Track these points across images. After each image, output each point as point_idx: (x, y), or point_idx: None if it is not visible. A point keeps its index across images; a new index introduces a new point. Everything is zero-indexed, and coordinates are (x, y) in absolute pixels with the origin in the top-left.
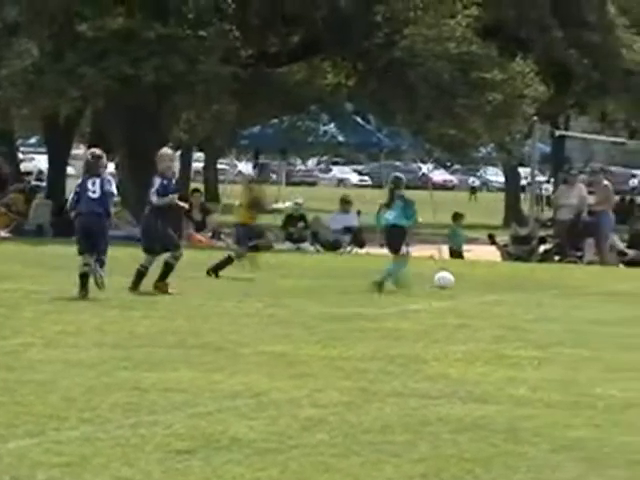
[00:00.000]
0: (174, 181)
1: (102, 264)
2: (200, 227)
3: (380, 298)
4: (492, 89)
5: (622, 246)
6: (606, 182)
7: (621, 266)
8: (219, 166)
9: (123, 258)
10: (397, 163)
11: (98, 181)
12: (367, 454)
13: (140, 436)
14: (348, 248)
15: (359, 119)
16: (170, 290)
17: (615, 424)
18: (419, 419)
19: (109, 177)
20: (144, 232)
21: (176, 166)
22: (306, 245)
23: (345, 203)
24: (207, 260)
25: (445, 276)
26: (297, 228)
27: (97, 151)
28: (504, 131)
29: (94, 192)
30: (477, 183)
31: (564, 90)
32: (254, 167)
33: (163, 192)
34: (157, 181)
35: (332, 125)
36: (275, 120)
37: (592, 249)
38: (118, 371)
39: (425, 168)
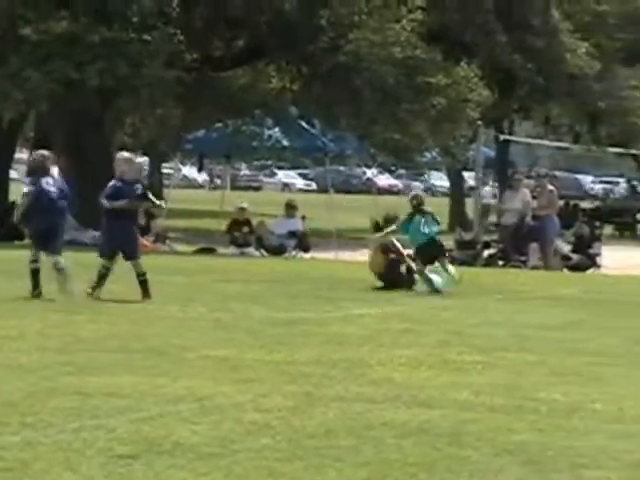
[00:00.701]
0: (139, 185)
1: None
2: (145, 231)
3: (324, 303)
4: (437, 93)
5: (566, 250)
6: (551, 187)
7: (565, 270)
8: (163, 170)
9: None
10: (342, 168)
11: (52, 180)
12: (311, 458)
13: (82, 440)
14: (293, 253)
15: (304, 123)
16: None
17: (558, 428)
18: (363, 423)
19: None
20: (101, 235)
21: (136, 169)
22: (251, 250)
23: (290, 208)
24: (152, 264)
25: (434, 279)
26: (242, 233)
27: (45, 152)
28: (448, 135)
29: (54, 191)
30: (422, 187)
31: (508, 94)
32: (199, 171)
33: (115, 195)
34: (110, 184)
35: (277, 129)
36: (219, 124)
37: (536, 254)
38: (61, 376)
39: (370, 173)
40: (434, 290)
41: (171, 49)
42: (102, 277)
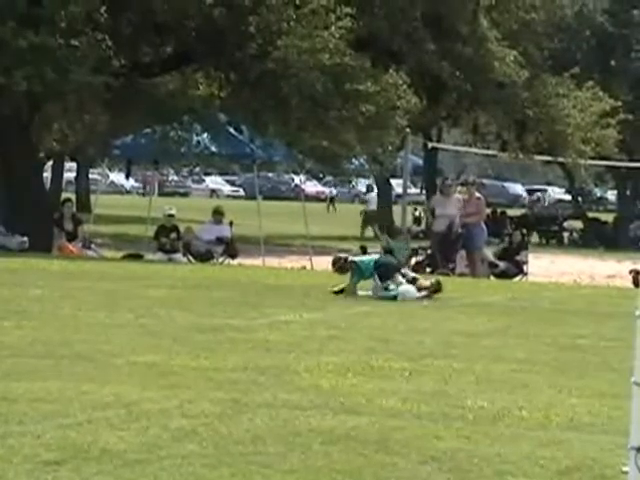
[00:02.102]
0: None
1: None
2: (71, 237)
3: (250, 309)
4: (365, 101)
5: (493, 258)
6: (478, 194)
7: (492, 278)
8: (91, 176)
9: None
10: (270, 175)
11: None
12: (238, 465)
13: (8, 447)
14: (220, 259)
15: (232, 130)
16: None
17: (484, 435)
18: (290, 430)
19: None
20: None
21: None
22: (178, 256)
23: (217, 214)
24: (79, 270)
25: (409, 290)
26: (169, 239)
27: None
28: (376, 143)
29: None
30: (334, 193)
31: (436, 102)
32: (127, 177)
33: None
34: None
35: (205, 135)
36: (148, 130)
37: (463, 261)
38: None
39: (297, 180)
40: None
41: (99, 55)
42: None
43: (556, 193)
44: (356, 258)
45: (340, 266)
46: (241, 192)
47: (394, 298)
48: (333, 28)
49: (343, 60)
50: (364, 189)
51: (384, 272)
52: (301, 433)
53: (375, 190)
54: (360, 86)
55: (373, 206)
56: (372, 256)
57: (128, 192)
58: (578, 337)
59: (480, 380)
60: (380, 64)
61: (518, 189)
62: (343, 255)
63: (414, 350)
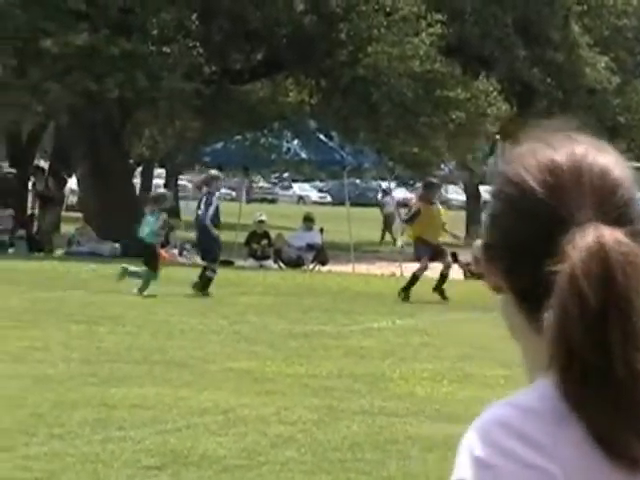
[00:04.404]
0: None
1: None
2: (164, 243)
3: (342, 316)
4: (455, 107)
5: None
6: None
7: None
8: (179, 182)
9: (83, 273)
10: (357, 181)
11: None
12: (336, 472)
13: (109, 452)
14: (311, 265)
15: (322, 136)
16: None
17: None
18: (387, 437)
19: None
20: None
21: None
22: (269, 262)
23: (308, 220)
24: (172, 276)
25: None
26: (260, 245)
27: None
28: (466, 149)
29: None
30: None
31: (527, 108)
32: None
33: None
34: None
35: (295, 142)
36: (238, 137)
37: None
38: (85, 387)
39: (384, 185)
40: None
41: (190, 62)
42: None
43: None
44: None
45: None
46: (328, 198)
47: None
48: (424, 35)
49: (433, 67)
50: (452, 194)
51: None
52: (398, 440)
53: (392, 193)
54: (450, 93)
55: (390, 209)
56: None
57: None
58: None
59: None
60: (470, 71)
61: None
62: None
63: (509, 357)
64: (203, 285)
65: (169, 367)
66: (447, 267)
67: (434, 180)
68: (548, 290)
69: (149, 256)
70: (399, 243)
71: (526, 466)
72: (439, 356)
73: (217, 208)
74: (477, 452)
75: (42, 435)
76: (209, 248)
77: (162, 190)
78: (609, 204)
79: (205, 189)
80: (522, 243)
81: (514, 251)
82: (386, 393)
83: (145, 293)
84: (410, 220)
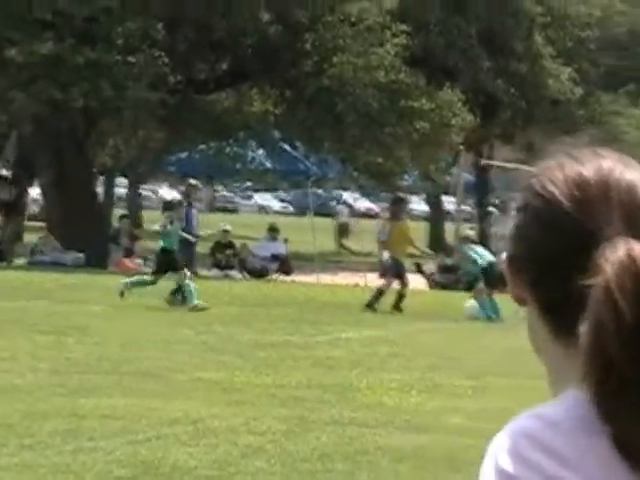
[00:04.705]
0: None
1: None
2: (128, 253)
3: (309, 326)
4: (420, 118)
5: None
6: None
7: None
8: (143, 192)
9: (46, 283)
10: (319, 191)
11: None
12: None
13: (81, 463)
14: (275, 275)
15: (287, 146)
16: None
17: None
18: (357, 448)
19: None
20: None
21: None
22: (234, 272)
23: (272, 231)
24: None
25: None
26: (225, 255)
27: None
28: (430, 160)
29: None
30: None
31: (490, 119)
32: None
33: None
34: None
35: (260, 152)
36: (202, 146)
37: None
38: (55, 397)
39: (345, 196)
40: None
41: (155, 71)
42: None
43: None
44: None
45: None
46: (290, 208)
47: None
48: (388, 45)
49: (398, 77)
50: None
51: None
52: (368, 451)
53: (356, 203)
54: (415, 103)
55: (344, 218)
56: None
57: None
58: None
59: (546, 398)
60: (434, 81)
61: None
62: None
63: (476, 367)
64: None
65: (138, 377)
66: (404, 286)
67: (402, 196)
68: (576, 303)
69: (174, 262)
70: (385, 257)
71: (550, 478)
72: (407, 366)
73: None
74: (502, 464)
75: (12, 446)
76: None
77: (174, 199)
78: (637, 219)
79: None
80: (549, 256)
81: (540, 264)
82: (355, 403)
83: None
84: (384, 242)
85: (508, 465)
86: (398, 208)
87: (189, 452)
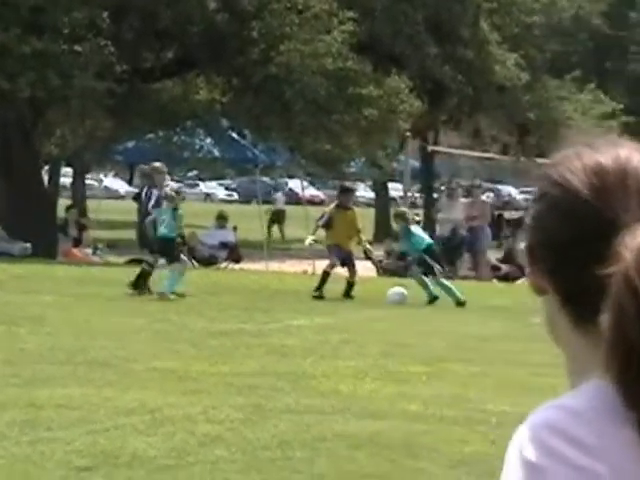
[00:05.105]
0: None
1: None
2: (77, 242)
3: (261, 314)
4: (368, 105)
5: (495, 260)
6: (483, 197)
7: (495, 281)
8: (86, 181)
9: None
10: (264, 178)
11: None
12: (268, 471)
13: (40, 453)
14: (224, 264)
15: (234, 135)
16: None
17: (510, 439)
18: (315, 435)
19: None
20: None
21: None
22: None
23: (221, 219)
24: (86, 276)
25: (400, 292)
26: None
27: None
28: (378, 146)
29: None
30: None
31: (438, 105)
32: (130, 182)
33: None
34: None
35: (208, 140)
36: (151, 135)
37: (466, 264)
38: (9, 388)
39: (292, 184)
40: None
41: (102, 60)
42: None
43: None
44: None
45: None
46: (235, 196)
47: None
48: (335, 32)
49: (346, 64)
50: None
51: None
52: (326, 438)
53: (281, 190)
54: (363, 90)
55: (280, 205)
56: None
57: (122, 197)
58: None
59: (500, 384)
60: (382, 68)
61: (511, 191)
62: None
63: (429, 353)
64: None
65: (92, 367)
66: (353, 275)
67: (349, 185)
68: (596, 292)
69: (171, 250)
70: (308, 240)
71: (574, 468)
72: (360, 353)
73: (158, 202)
74: (527, 455)
75: None
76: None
77: (173, 187)
78: None
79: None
80: (567, 244)
81: (559, 252)
82: (310, 391)
83: (176, 290)
84: (325, 226)
85: (533, 456)
86: (344, 197)
87: (147, 441)
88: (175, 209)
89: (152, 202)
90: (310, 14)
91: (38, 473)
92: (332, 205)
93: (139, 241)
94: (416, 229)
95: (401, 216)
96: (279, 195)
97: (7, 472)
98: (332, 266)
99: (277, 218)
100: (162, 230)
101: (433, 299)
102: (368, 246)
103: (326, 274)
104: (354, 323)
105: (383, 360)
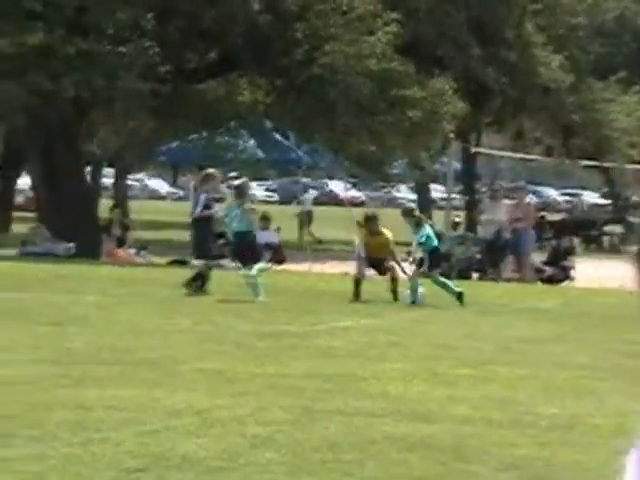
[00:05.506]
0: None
1: None
2: (120, 243)
3: (307, 315)
4: (412, 106)
5: (539, 263)
6: (528, 199)
7: (539, 283)
8: (128, 182)
9: (40, 273)
10: (304, 180)
11: None
12: (319, 473)
13: (91, 454)
14: (268, 265)
15: (278, 136)
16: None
17: (560, 442)
18: (366, 437)
19: None
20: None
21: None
22: (226, 261)
23: (265, 220)
24: (128, 277)
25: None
26: (217, 244)
27: None
28: (422, 148)
29: None
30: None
31: (481, 107)
32: (173, 183)
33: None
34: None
35: (251, 142)
36: (194, 136)
37: (510, 266)
38: (58, 389)
39: (332, 185)
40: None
41: (146, 61)
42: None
43: (591, 197)
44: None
45: None
46: (275, 197)
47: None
48: (380, 33)
49: (390, 65)
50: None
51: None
52: (376, 440)
53: (311, 191)
54: (406, 91)
55: (309, 207)
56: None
57: (163, 197)
58: (636, 343)
59: (547, 386)
60: (425, 69)
61: (551, 193)
62: None
63: (476, 356)
64: (195, 282)
65: (140, 367)
66: (391, 269)
67: (372, 213)
68: None
69: (251, 245)
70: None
71: None
72: (407, 355)
73: (207, 205)
74: None
75: (20, 437)
76: (199, 244)
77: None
78: None
79: (198, 189)
80: None
81: None
82: (358, 393)
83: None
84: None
85: None
86: (372, 224)
87: (198, 443)
88: (242, 204)
89: (200, 207)
90: (354, 15)
91: (90, 474)
92: (361, 234)
93: (195, 245)
94: (426, 228)
95: (409, 213)
96: (307, 196)
97: (60, 473)
98: (361, 273)
99: (306, 219)
100: (236, 225)
101: (459, 295)
102: (404, 265)
103: (358, 280)
104: (399, 325)
105: (430, 362)
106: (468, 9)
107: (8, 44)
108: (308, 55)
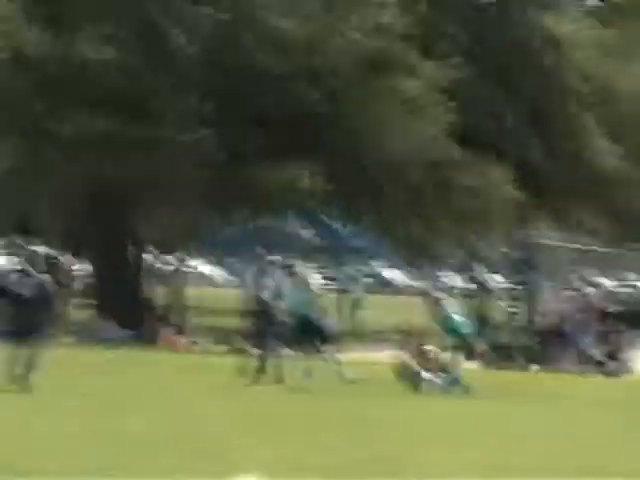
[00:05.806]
0: None
1: None
2: (179, 331)
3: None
4: (470, 195)
5: (600, 356)
6: (588, 290)
7: (600, 376)
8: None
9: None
10: (358, 267)
11: None
12: None
13: None
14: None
15: (327, 220)
16: None
17: None
18: None
19: None
20: None
21: None
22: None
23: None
24: (185, 363)
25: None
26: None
27: None
28: (476, 236)
29: None
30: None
31: (538, 196)
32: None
33: None
34: None
35: (305, 229)
36: (248, 222)
37: (570, 357)
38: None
39: (385, 272)
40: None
41: (204, 149)
42: None
43: None
44: None
45: None
46: (334, 285)
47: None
48: (438, 122)
49: (447, 153)
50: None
51: None
52: None
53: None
54: (463, 179)
55: (359, 293)
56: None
57: (219, 285)
58: None
59: None
60: (482, 157)
61: (607, 283)
62: None
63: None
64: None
65: (198, 456)
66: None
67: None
68: None
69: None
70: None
71: None
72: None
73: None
74: None
75: None
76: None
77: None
78: None
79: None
80: None
81: None
82: None
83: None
84: None
85: None
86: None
87: None
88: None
89: (273, 295)
90: (415, 105)
91: None
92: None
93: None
94: (458, 317)
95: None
96: (358, 283)
97: None
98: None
99: (356, 305)
100: (305, 312)
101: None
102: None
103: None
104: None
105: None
106: (525, 100)
107: (69, 129)
108: (368, 142)
